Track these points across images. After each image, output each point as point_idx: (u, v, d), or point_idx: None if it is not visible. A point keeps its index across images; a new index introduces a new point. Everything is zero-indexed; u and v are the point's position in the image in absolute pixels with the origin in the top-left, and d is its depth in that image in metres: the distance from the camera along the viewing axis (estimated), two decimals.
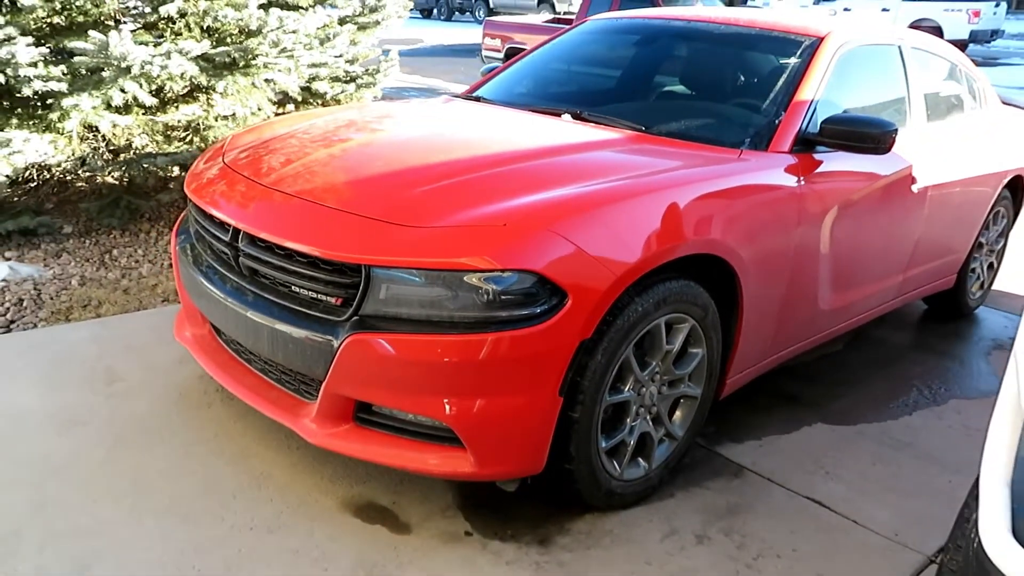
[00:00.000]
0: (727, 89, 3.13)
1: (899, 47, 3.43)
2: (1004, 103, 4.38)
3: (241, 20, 3.96)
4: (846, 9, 18.23)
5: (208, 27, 4.18)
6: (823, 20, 3.27)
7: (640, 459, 2.42)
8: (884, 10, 17.73)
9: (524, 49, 11.85)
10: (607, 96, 3.25)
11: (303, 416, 2.23)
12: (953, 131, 3.65)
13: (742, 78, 3.13)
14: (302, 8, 4.73)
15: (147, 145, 4.66)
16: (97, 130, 4.53)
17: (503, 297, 1.97)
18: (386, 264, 1.99)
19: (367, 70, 5.25)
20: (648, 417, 2.40)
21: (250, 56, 4.02)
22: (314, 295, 2.16)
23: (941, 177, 3.45)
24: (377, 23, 5.01)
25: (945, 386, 3.48)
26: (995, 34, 17.68)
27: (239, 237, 2.29)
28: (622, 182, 2.25)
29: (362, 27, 4.90)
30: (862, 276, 3.15)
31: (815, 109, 2.83)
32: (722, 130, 2.83)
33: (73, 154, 4.03)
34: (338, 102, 5.15)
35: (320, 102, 5.02)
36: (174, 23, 4.35)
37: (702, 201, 2.31)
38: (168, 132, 4.45)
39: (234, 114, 4.59)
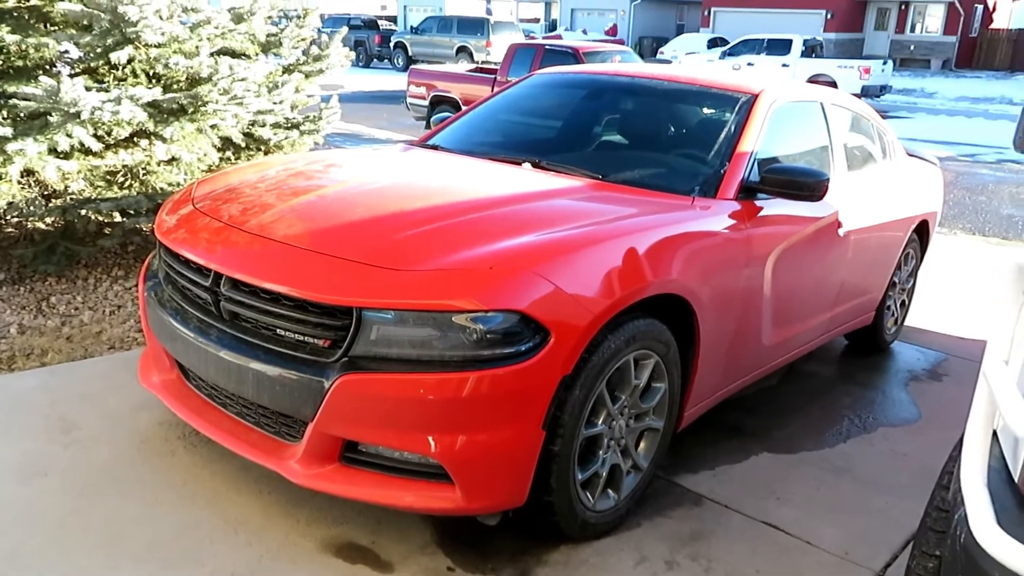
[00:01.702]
0: (674, 140, 3.36)
1: (821, 103, 3.75)
2: (909, 154, 4.79)
3: (191, 68, 3.99)
4: (749, 64, 19.32)
5: (154, 73, 4.18)
6: (755, 79, 3.56)
7: (610, 490, 2.54)
8: (784, 66, 18.89)
9: (448, 97, 12.09)
10: (562, 146, 3.43)
11: (287, 457, 2.26)
12: (869, 180, 3.99)
13: (687, 130, 3.37)
14: (247, 56, 4.77)
15: (84, 190, 4.58)
16: (32, 175, 4.44)
17: (490, 336, 2.07)
18: (378, 306, 2.07)
19: (309, 117, 5.30)
20: (617, 449, 2.52)
21: (200, 103, 4.04)
22: (300, 337, 2.21)
23: (861, 222, 3.75)
24: (321, 71, 5.10)
25: (872, 415, 3.74)
26: (884, 89, 19.07)
27: (220, 282, 2.33)
28: (594, 227, 2.40)
29: (306, 75, 4.97)
30: (798, 313, 3.39)
31: (755, 159, 3.08)
32: (673, 179, 3.04)
33: (12, 200, 3.94)
34: (280, 148, 5.18)
35: (263, 148, 5.04)
36: (116, 68, 4.33)
37: (666, 245, 2.48)
38: (109, 177, 4.39)
39: (174, 159, 4.57)
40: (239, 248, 2.32)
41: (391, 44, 27.91)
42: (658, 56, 24.87)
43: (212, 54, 4.15)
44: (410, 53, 26.66)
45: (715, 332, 2.77)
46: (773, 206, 3.06)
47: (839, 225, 3.52)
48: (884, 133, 4.40)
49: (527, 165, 3.08)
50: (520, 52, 11.59)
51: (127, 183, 4.60)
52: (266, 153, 5.12)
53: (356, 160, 3.20)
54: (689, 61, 21.56)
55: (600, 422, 2.40)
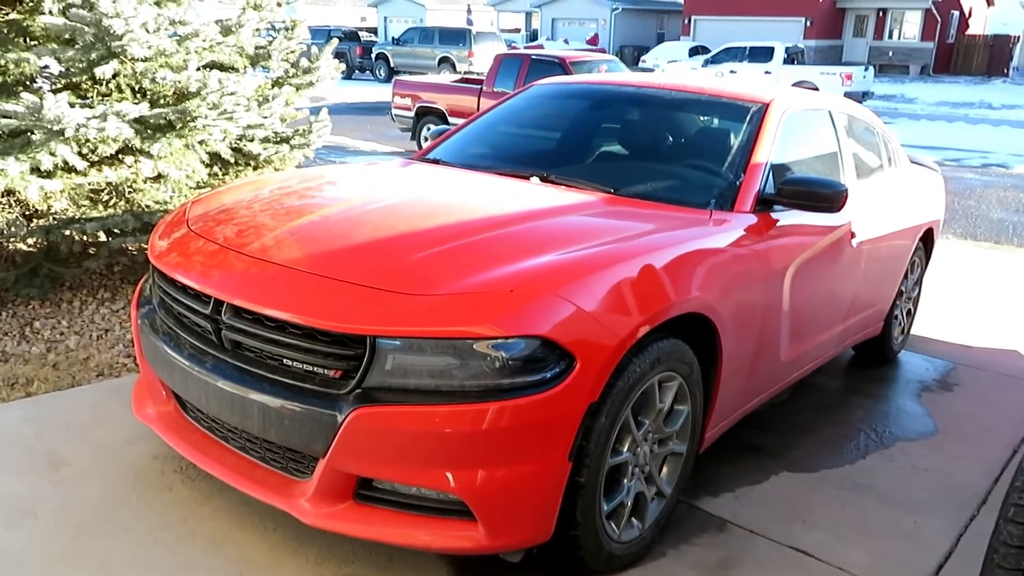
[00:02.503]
0: (685, 152, 3.26)
1: (829, 111, 3.67)
2: (912, 162, 4.73)
3: (179, 82, 3.85)
4: (732, 72, 19.38)
5: (141, 88, 4.04)
6: (764, 87, 3.47)
7: (634, 519, 2.42)
8: (767, 73, 18.95)
9: (434, 108, 12.00)
10: (569, 159, 3.32)
11: (296, 496, 2.12)
12: (877, 188, 3.91)
13: (698, 141, 3.27)
14: (236, 69, 4.63)
15: (67, 209, 4.42)
16: (11, 194, 4.27)
17: (513, 363, 1.95)
18: (394, 334, 1.95)
19: (298, 131, 5.17)
20: (642, 476, 2.41)
21: (188, 118, 3.90)
22: (309, 368, 2.07)
23: (872, 232, 3.67)
24: (311, 84, 4.96)
25: (888, 429, 3.65)
26: (865, 95, 19.17)
27: (221, 309, 2.19)
28: (614, 245, 2.29)
29: (296, 88, 4.84)
30: (814, 326, 3.30)
31: (769, 170, 2.98)
32: (688, 192, 2.94)
33: None
34: (270, 163, 5.04)
35: (253, 164, 4.89)
36: (99, 84, 4.18)
37: (689, 262, 2.38)
38: (94, 196, 4.23)
39: (161, 176, 4.41)
40: (241, 273, 2.18)
41: (373, 55, 27.81)
42: (640, 65, 24.92)
43: (200, 68, 4.01)
44: (392, 64, 26.59)
45: (736, 350, 2.67)
46: (788, 218, 2.97)
47: (852, 236, 3.44)
48: (889, 140, 4.33)
49: (535, 179, 2.97)
50: (506, 62, 11.50)
51: (112, 201, 4.45)
52: (255, 168, 4.98)
53: (356, 177, 3.08)
54: (671, 70, 21.59)
55: (625, 449, 2.28)
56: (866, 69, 19.13)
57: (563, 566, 2.31)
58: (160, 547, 2.35)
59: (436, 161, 3.40)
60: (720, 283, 2.50)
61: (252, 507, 2.56)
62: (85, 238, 4.11)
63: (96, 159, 4.19)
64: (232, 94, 4.06)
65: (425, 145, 12.13)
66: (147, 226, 4.22)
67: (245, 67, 4.62)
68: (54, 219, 4.27)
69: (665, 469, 2.54)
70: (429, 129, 11.95)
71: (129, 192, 4.33)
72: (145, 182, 4.36)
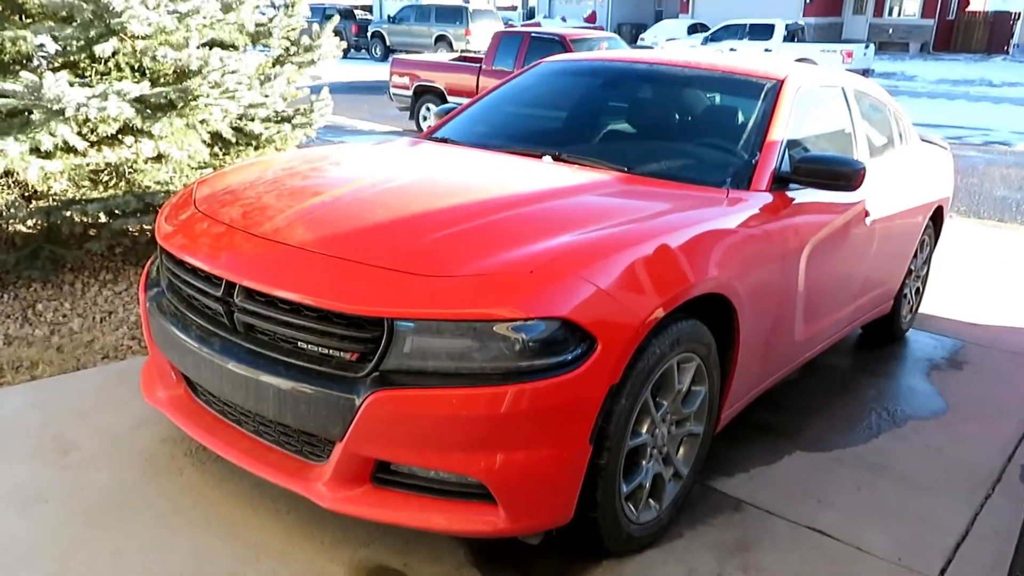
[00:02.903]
0: (699, 129, 3.21)
1: (842, 88, 3.62)
2: (922, 139, 4.68)
3: (180, 60, 3.77)
4: (732, 49, 19.23)
5: (141, 67, 3.96)
6: (778, 63, 3.41)
7: (651, 501, 2.40)
8: (767, 51, 18.81)
9: (433, 87, 11.89)
10: (580, 137, 3.27)
11: (313, 480, 2.09)
12: (890, 166, 3.86)
13: (712, 119, 3.22)
14: (236, 48, 4.56)
15: (67, 190, 4.36)
16: (10, 175, 4.21)
17: (534, 345, 1.92)
18: (412, 316, 1.91)
19: (299, 110, 5.10)
20: (659, 458, 2.38)
21: (190, 97, 3.83)
22: (325, 351, 2.04)
23: (885, 210, 3.63)
24: (312, 62, 4.88)
25: (899, 408, 3.63)
26: (866, 73, 19.04)
27: (234, 292, 2.15)
28: (634, 225, 2.24)
29: (298, 66, 4.76)
30: (827, 305, 3.27)
31: (785, 148, 2.93)
32: (703, 170, 2.89)
33: None
34: (271, 143, 4.98)
35: (254, 143, 4.83)
36: (98, 62, 4.10)
37: (708, 242, 2.34)
38: (94, 177, 4.17)
39: (161, 156, 4.35)
40: (254, 255, 2.14)
41: (368, 34, 27.53)
42: (639, 43, 24.72)
43: (201, 45, 3.94)
44: (388, 43, 26.33)
45: (753, 330, 2.63)
46: (803, 196, 2.93)
47: (866, 214, 3.40)
48: (900, 117, 4.28)
49: (548, 158, 2.92)
50: (505, 40, 11.37)
51: (112, 182, 4.38)
52: (256, 148, 4.92)
53: (364, 157, 3.02)
54: (670, 48, 21.42)
55: (644, 431, 2.25)
56: (866, 47, 18.99)
57: (582, 548, 2.29)
58: (174, 533, 2.32)
59: (445, 140, 3.34)
60: (738, 263, 2.46)
61: (264, 490, 2.53)
62: (86, 219, 4.05)
63: (96, 139, 4.13)
64: (233, 72, 3.99)
65: (425, 124, 12.01)
66: (149, 207, 4.16)
67: (246, 45, 4.54)
68: (54, 200, 4.21)
69: (682, 450, 2.52)
70: (428, 108, 11.85)
71: (130, 173, 4.27)
72: (146, 162, 4.30)
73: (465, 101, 3.82)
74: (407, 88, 12.06)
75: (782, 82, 3.15)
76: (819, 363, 4.08)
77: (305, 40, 4.84)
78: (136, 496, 2.48)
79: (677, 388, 2.34)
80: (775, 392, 3.65)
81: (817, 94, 3.38)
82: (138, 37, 3.71)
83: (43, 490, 2.47)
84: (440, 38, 24.57)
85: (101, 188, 4.28)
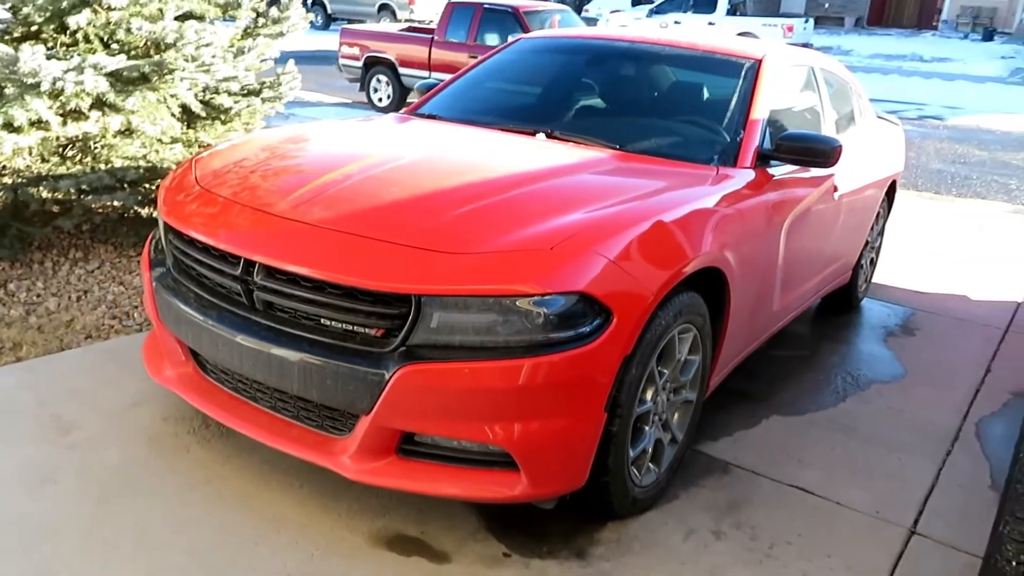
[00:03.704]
0: (684, 107, 3.32)
1: (811, 67, 3.77)
2: (878, 116, 4.89)
3: (154, 32, 3.70)
4: (676, 22, 19.43)
5: (111, 39, 3.87)
6: (754, 43, 3.53)
7: (651, 465, 2.53)
8: (710, 24, 19.07)
9: (383, 58, 11.75)
10: (569, 115, 3.34)
11: (337, 453, 2.16)
12: (852, 142, 4.05)
13: (696, 97, 3.33)
14: (204, 19, 4.47)
15: (30, 166, 4.25)
16: None
17: (555, 319, 2.01)
18: (440, 292, 1.98)
19: (267, 83, 5.03)
20: (659, 424, 2.51)
21: (165, 71, 3.76)
22: (349, 327, 2.09)
23: (850, 184, 3.82)
24: (281, 34, 4.82)
25: (862, 372, 3.85)
26: (806, 47, 19.47)
27: (252, 270, 2.18)
28: (638, 202, 2.34)
29: (270, 38, 4.70)
30: (800, 276, 3.44)
31: (767, 126, 3.07)
32: (691, 148, 3.00)
33: None
34: (239, 116, 4.91)
35: (223, 118, 4.75)
36: (63, 33, 3.99)
37: (706, 218, 2.46)
38: (63, 153, 4.07)
39: (130, 131, 4.26)
40: (275, 234, 2.17)
41: (308, 1, 26.86)
42: (583, 15, 24.71)
43: (176, 18, 3.86)
44: (329, 11, 25.75)
45: (741, 301, 2.77)
46: (781, 172, 3.07)
47: (835, 189, 3.57)
48: (860, 95, 4.47)
49: (541, 136, 2.99)
50: (457, 11, 11.28)
51: (78, 157, 4.29)
52: (224, 123, 4.84)
53: (362, 134, 3.04)
54: (615, 20, 21.52)
55: (649, 399, 2.37)
56: (806, 21, 19.44)
57: (592, 511, 2.41)
58: (191, 508, 2.36)
59: (433, 116, 3.37)
60: (730, 237, 2.59)
61: (275, 465, 2.58)
62: (57, 196, 3.96)
63: (62, 113, 4.03)
64: (208, 45, 3.93)
65: (376, 96, 11.73)
66: (122, 183, 4.09)
67: (216, 17, 4.46)
68: (19, 176, 4.11)
69: (677, 416, 2.65)
70: (379, 80, 11.73)
71: (99, 148, 4.18)
72: (115, 137, 4.21)
73: (432, 75, 3.84)
74: (357, 59, 11.90)
75: (760, 62, 3.28)
76: (785, 332, 4.27)
77: (274, 12, 4.77)
78: (147, 473, 2.50)
79: (677, 357, 2.46)
80: (749, 361, 3.82)
81: (790, 73, 3.52)
82: (114, 8, 3.63)
83: (51, 470, 2.47)
84: (383, 7, 24.14)
85: (69, 164, 4.18)
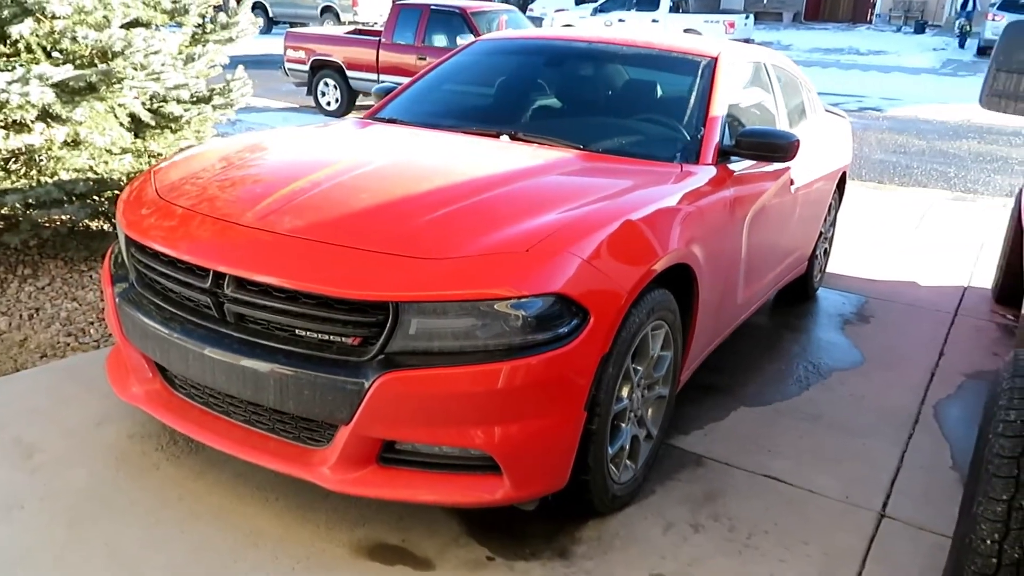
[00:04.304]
0: (643, 106, 3.35)
1: (764, 64, 3.84)
2: (825, 110, 5.01)
3: (101, 41, 3.60)
4: (620, 20, 19.62)
5: (55, 49, 3.75)
6: (709, 41, 3.59)
7: (628, 461, 2.55)
8: (654, 21, 19.31)
9: (330, 61, 11.62)
10: (531, 116, 3.34)
11: (316, 464, 2.13)
12: (805, 135, 4.13)
13: (655, 96, 3.36)
14: (149, 26, 4.37)
15: None
16: None
17: (533, 321, 2.01)
18: (418, 299, 1.96)
19: (216, 90, 4.94)
20: (635, 420, 2.54)
21: (113, 80, 3.66)
22: (324, 337, 2.07)
23: (805, 177, 3.90)
24: (230, 39, 4.73)
25: (822, 361, 3.94)
26: (747, 42, 19.85)
27: (222, 283, 2.14)
28: (607, 202, 2.36)
29: (220, 44, 4.61)
30: (762, 269, 3.51)
31: (726, 123, 3.12)
32: (653, 146, 3.04)
33: None
34: (189, 124, 4.80)
35: (172, 126, 4.65)
36: (5, 43, 3.85)
37: (674, 215, 2.49)
38: (6, 167, 3.94)
39: (76, 142, 4.14)
40: (244, 245, 2.13)
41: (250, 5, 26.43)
42: (528, 14, 24.80)
43: (122, 26, 3.76)
44: (271, 14, 25.38)
45: (708, 296, 2.82)
46: (740, 167, 3.13)
47: (792, 182, 3.65)
48: (809, 89, 4.57)
49: (505, 138, 3.00)
50: (404, 13, 11.22)
51: (23, 171, 4.15)
52: (174, 132, 4.74)
53: (324, 140, 3.01)
54: (560, 19, 21.64)
55: (625, 396, 2.40)
56: (747, 17, 19.82)
57: (573, 510, 2.42)
58: (165, 526, 2.31)
59: (393, 120, 3.35)
60: (697, 233, 2.62)
61: (248, 479, 2.53)
62: (3, 211, 3.83)
63: (4, 126, 3.89)
64: (157, 53, 3.84)
65: (324, 100, 11.58)
66: (71, 196, 3.97)
67: (163, 24, 4.36)
68: None
69: (651, 412, 2.68)
70: (327, 84, 11.60)
71: (45, 161, 4.05)
72: (61, 148, 4.09)
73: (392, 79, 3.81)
74: (303, 63, 11.76)
75: (716, 59, 3.33)
76: (746, 324, 4.34)
77: (222, 17, 4.68)
78: (117, 494, 2.44)
79: (651, 354, 2.49)
80: (713, 355, 3.87)
81: (744, 70, 3.58)
82: (57, 17, 3.52)
83: (15, 495, 2.39)
84: (326, 9, 23.91)
85: (13, 177, 4.04)
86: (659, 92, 3.37)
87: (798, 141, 2.98)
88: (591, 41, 3.55)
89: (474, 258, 2.03)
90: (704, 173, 2.87)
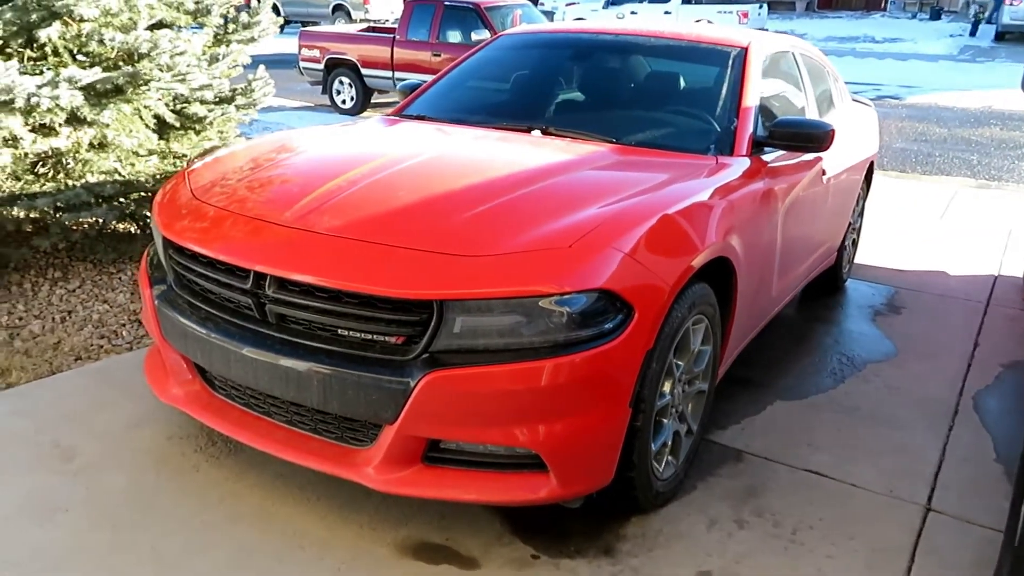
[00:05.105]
0: (675, 98, 3.32)
1: (792, 52, 3.80)
2: (852, 99, 4.95)
3: (127, 43, 3.60)
4: (633, 12, 19.53)
5: (83, 51, 3.76)
6: (738, 31, 3.55)
7: (670, 457, 2.53)
8: (666, 13, 19.20)
9: (345, 59, 11.62)
10: (560, 110, 3.32)
11: (360, 464, 2.12)
12: (835, 124, 4.08)
13: (685, 87, 3.33)
14: (171, 27, 4.37)
15: (1, 185, 4.12)
16: None
17: (578, 317, 1.99)
18: (463, 297, 1.95)
19: (238, 90, 4.94)
20: (676, 416, 2.51)
21: (139, 82, 3.66)
22: (368, 336, 2.05)
23: (835, 168, 3.86)
24: (252, 39, 4.73)
25: (856, 352, 3.90)
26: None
27: (263, 283, 2.13)
28: (647, 196, 2.33)
29: (243, 44, 4.61)
30: (795, 260, 3.47)
31: (758, 114, 3.08)
32: (687, 139, 3.00)
33: None
34: (212, 125, 4.81)
35: (196, 127, 4.66)
36: (32, 47, 3.86)
37: (713, 208, 2.46)
38: (35, 170, 3.95)
39: (102, 144, 4.15)
40: (285, 245, 2.12)
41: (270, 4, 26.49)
42: (539, 7, 24.72)
43: (148, 27, 3.76)
44: (282, 13, 25.40)
45: (746, 289, 2.79)
46: (773, 158, 3.09)
47: (823, 172, 3.61)
48: (837, 78, 4.52)
49: (536, 132, 2.97)
50: (417, 10, 11.19)
51: (51, 174, 4.16)
52: (198, 133, 4.74)
53: (353, 138, 2.99)
54: (571, 13, 21.55)
55: (667, 392, 2.37)
56: (760, 6, 19.67)
57: (618, 507, 2.40)
58: (208, 529, 2.30)
59: (422, 117, 3.33)
60: (736, 226, 2.59)
61: (289, 479, 2.53)
62: (33, 215, 3.84)
63: (32, 129, 3.91)
64: (182, 54, 3.84)
65: (339, 98, 11.56)
66: (99, 199, 3.99)
67: (186, 24, 4.36)
68: None
69: (691, 407, 2.65)
70: (342, 82, 11.61)
71: (73, 164, 4.06)
72: (88, 151, 4.10)
73: (421, 77, 3.79)
74: (318, 62, 11.76)
75: (746, 49, 3.29)
76: (777, 317, 4.31)
77: (244, 17, 4.68)
78: (159, 496, 2.44)
79: (692, 349, 2.46)
80: (745, 348, 3.85)
81: (774, 59, 3.54)
82: (84, 20, 3.52)
83: (59, 499, 2.40)
84: (337, 7, 23.93)
85: (42, 181, 4.06)
86: (690, 84, 3.33)
87: (834, 131, 2.94)
88: (618, 33, 3.52)
89: (517, 255, 2.00)
90: (739, 165, 2.83)
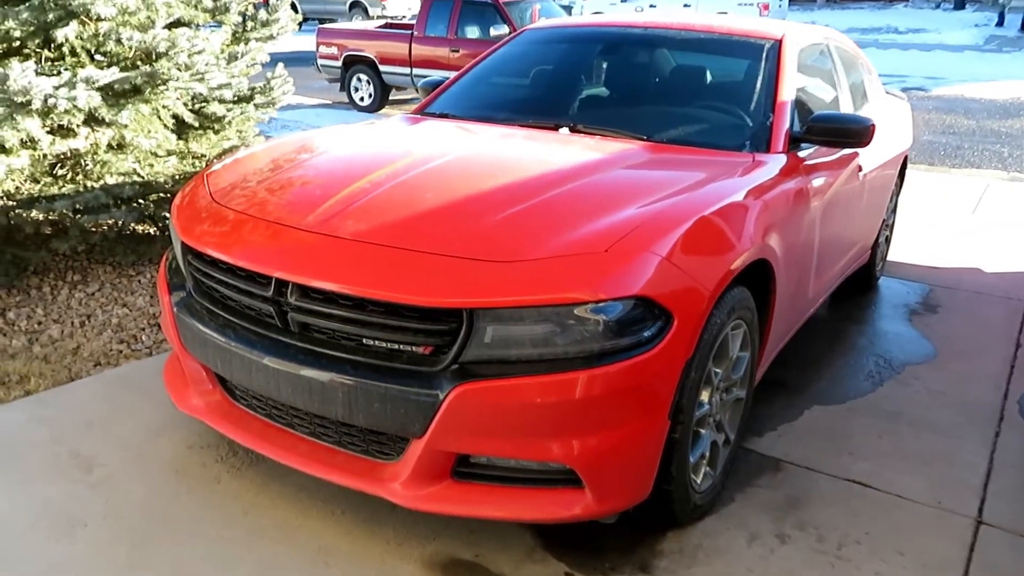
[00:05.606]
0: (707, 93, 3.20)
1: (827, 45, 3.67)
2: (885, 92, 4.80)
3: (145, 42, 3.53)
4: (651, 5, 19.31)
5: (100, 51, 3.70)
6: (771, 22, 3.42)
7: (708, 468, 2.42)
8: (686, 6, 18.97)
9: (363, 56, 11.55)
10: (588, 106, 3.22)
11: (387, 480, 2.03)
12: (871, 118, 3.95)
13: (718, 81, 3.21)
14: (190, 25, 4.30)
15: (20, 186, 4.08)
16: None
17: (614, 325, 1.89)
18: (491, 305, 1.85)
19: (257, 88, 4.87)
20: (714, 426, 2.41)
21: (158, 81, 3.60)
22: (394, 346, 1.96)
23: (871, 164, 3.72)
24: (271, 37, 4.66)
25: (893, 354, 3.77)
26: None
27: (285, 291, 2.04)
28: (683, 197, 2.23)
29: (262, 42, 4.54)
30: (831, 260, 3.34)
31: (794, 108, 2.96)
32: (721, 135, 2.89)
33: None
34: (232, 125, 4.74)
35: (215, 127, 4.59)
36: (49, 47, 3.81)
37: (751, 209, 2.35)
38: (53, 172, 3.90)
39: (120, 146, 4.09)
40: (308, 251, 2.03)
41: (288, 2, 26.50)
42: (557, 1, 24.53)
43: (166, 26, 3.70)
44: (300, 11, 25.40)
45: (784, 291, 2.68)
46: (809, 155, 2.97)
47: (860, 169, 3.48)
48: (870, 71, 4.38)
49: (564, 130, 2.87)
50: (436, 5, 11.09)
51: (69, 176, 4.12)
52: (216, 132, 4.68)
53: (376, 138, 2.91)
54: (589, 6, 21.34)
55: (706, 401, 2.27)
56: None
57: (655, 522, 2.30)
58: (230, 544, 2.23)
59: (445, 115, 3.24)
60: (775, 226, 2.48)
61: (313, 492, 2.45)
62: (51, 217, 3.79)
63: (49, 130, 3.85)
64: (200, 52, 3.77)
65: (357, 95, 11.50)
66: (118, 201, 3.93)
67: (205, 22, 4.29)
68: (11, 199, 3.93)
69: (728, 416, 2.55)
70: (360, 79, 11.54)
71: (91, 165, 4.01)
72: (106, 152, 4.04)
73: (442, 74, 3.70)
74: (336, 59, 11.70)
75: (780, 41, 3.17)
76: (811, 317, 4.19)
77: (262, 15, 4.60)
78: (179, 509, 2.37)
79: (730, 356, 2.36)
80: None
81: (808, 52, 3.42)
82: (102, 19, 3.46)
83: (78, 512, 2.33)
84: (355, 4, 23.87)
85: (60, 183, 4.01)
86: (723, 77, 3.21)
87: (874, 126, 2.82)
88: (647, 27, 3.40)
89: (550, 260, 1.91)
90: (775, 162, 2.72)
